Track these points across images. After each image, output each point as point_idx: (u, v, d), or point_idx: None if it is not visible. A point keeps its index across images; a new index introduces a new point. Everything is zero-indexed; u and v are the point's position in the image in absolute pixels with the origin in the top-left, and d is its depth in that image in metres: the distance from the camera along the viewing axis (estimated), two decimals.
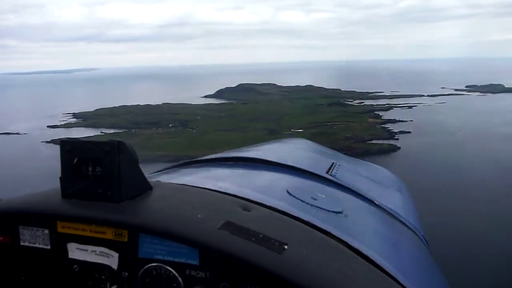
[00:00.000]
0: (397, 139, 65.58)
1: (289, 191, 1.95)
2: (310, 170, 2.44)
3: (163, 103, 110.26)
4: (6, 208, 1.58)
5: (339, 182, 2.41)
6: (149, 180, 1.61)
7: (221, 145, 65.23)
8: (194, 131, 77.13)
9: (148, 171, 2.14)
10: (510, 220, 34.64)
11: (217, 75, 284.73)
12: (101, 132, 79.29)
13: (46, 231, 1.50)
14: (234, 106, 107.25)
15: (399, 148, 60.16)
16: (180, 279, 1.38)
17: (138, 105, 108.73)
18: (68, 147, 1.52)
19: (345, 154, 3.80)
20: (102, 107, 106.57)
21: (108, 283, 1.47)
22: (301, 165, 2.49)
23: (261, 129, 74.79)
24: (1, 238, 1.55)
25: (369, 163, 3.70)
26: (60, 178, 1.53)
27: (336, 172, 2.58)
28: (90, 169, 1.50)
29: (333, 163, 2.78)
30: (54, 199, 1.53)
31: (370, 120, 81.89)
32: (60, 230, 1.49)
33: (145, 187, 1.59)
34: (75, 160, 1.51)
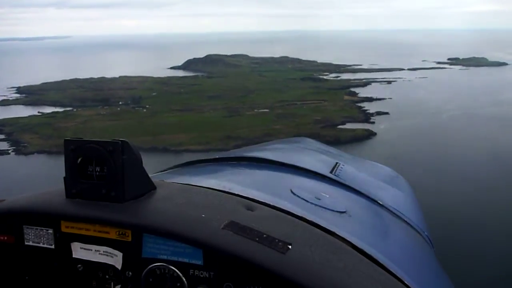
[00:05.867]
0: (373, 122, 57.94)
1: (293, 190, 1.95)
2: (314, 169, 2.42)
3: (119, 76, 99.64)
4: (10, 208, 1.58)
5: (343, 181, 2.38)
6: (152, 179, 1.61)
7: (168, 130, 55.79)
8: (144, 110, 67.56)
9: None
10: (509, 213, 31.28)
11: (190, 45, 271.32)
12: (38, 112, 69.37)
13: (50, 231, 1.51)
14: (198, 80, 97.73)
15: (374, 134, 52.33)
16: (184, 279, 1.39)
17: (91, 78, 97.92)
18: (71, 146, 1.50)
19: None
20: (52, 81, 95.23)
21: (112, 283, 1.48)
22: (304, 164, 2.46)
23: (220, 109, 66.04)
24: (6, 237, 1.56)
25: (373, 162, 3.50)
26: (64, 178, 1.53)
27: (340, 172, 2.53)
28: (93, 169, 1.49)
29: (337, 162, 2.71)
30: (58, 199, 1.53)
31: (345, 97, 74.02)
32: (64, 229, 1.50)
33: (149, 187, 1.58)
34: (79, 160, 1.50)
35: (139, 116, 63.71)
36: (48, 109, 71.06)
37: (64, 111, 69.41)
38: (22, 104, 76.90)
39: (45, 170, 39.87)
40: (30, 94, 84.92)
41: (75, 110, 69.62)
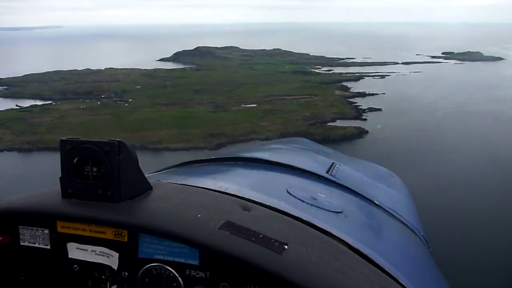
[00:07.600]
0: (365, 119, 55.37)
1: (289, 191, 1.96)
2: (310, 170, 2.44)
3: (105, 68, 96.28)
4: (6, 208, 1.58)
5: (339, 182, 2.40)
6: (149, 180, 1.61)
7: (149, 126, 52.21)
8: (126, 105, 64.42)
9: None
10: (507, 216, 30.29)
11: (181, 36, 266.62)
12: (16, 105, 66.13)
13: (46, 231, 1.51)
14: (185, 73, 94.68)
15: (366, 132, 49.72)
16: (180, 279, 1.40)
17: (75, 70, 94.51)
18: (68, 146, 1.50)
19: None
20: (35, 72, 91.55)
21: (108, 283, 1.48)
22: (301, 165, 2.48)
23: (206, 104, 63.20)
24: (1, 238, 1.55)
25: (369, 162, 3.53)
26: (60, 178, 1.52)
27: (336, 172, 2.56)
28: (90, 169, 1.49)
29: (333, 162, 2.75)
30: (54, 199, 1.53)
31: (337, 92, 71.40)
32: (60, 230, 1.50)
33: (145, 187, 1.58)
34: (75, 160, 1.49)
35: (120, 110, 60.68)
36: (28, 102, 68.06)
37: (43, 104, 66.35)
38: (2, 97, 73.64)
39: (9, 171, 37.11)
40: (10, 86, 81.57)
41: (54, 103, 66.54)
